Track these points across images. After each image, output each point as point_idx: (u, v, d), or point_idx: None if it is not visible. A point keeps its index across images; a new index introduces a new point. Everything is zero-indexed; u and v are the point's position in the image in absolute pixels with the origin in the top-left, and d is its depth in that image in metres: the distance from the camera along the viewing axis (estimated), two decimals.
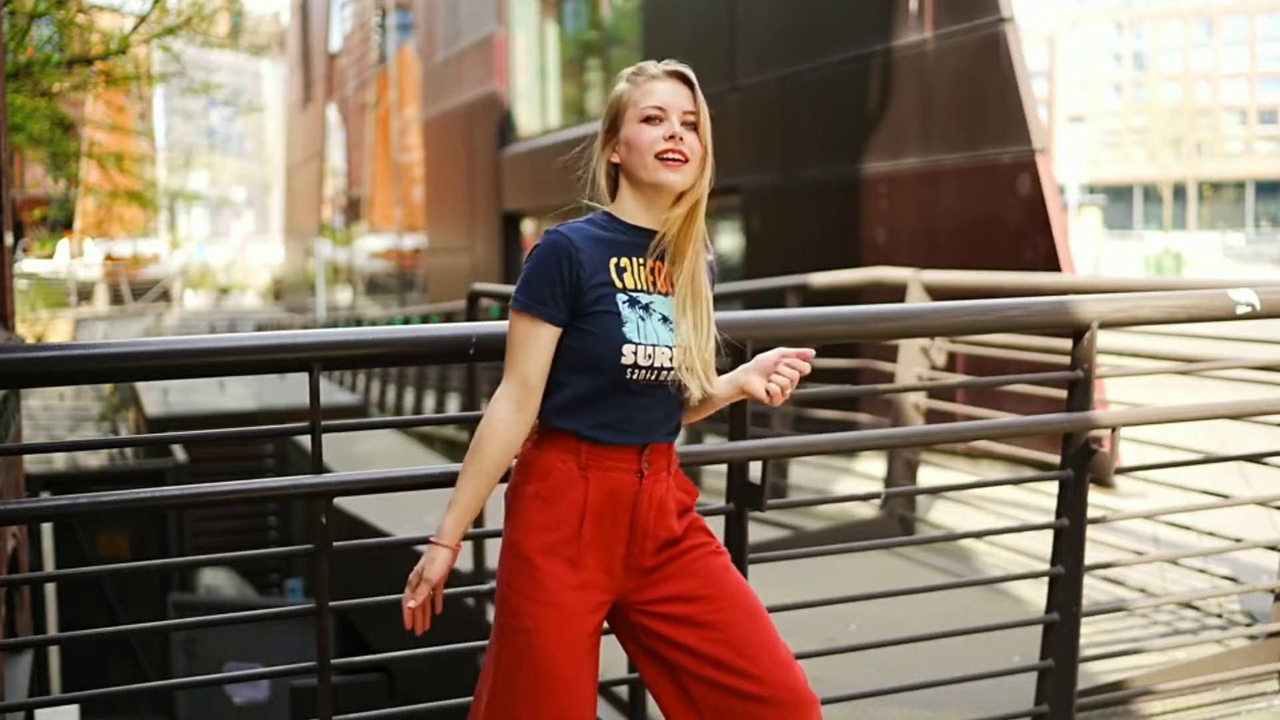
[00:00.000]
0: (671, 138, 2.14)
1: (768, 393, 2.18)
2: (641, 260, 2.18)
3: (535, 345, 2.15)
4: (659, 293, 2.17)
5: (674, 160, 2.14)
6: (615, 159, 2.21)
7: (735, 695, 2.13)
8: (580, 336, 2.13)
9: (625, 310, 2.13)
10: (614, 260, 2.16)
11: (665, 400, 2.18)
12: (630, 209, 2.21)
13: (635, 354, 2.11)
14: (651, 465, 2.17)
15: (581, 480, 2.15)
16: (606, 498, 2.15)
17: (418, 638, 2.34)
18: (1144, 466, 4.06)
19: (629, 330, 2.12)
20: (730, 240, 11.49)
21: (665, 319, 2.16)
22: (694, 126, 2.17)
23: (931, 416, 6.14)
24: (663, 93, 2.17)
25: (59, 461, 15.75)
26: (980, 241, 8.33)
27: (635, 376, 2.12)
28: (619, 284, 2.15)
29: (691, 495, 2.26)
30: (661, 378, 2.14)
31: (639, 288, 2.16)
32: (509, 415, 2.16)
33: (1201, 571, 4.75)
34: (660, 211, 2.19)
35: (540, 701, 2.14)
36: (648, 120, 2.16)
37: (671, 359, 2.13)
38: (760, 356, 2.22)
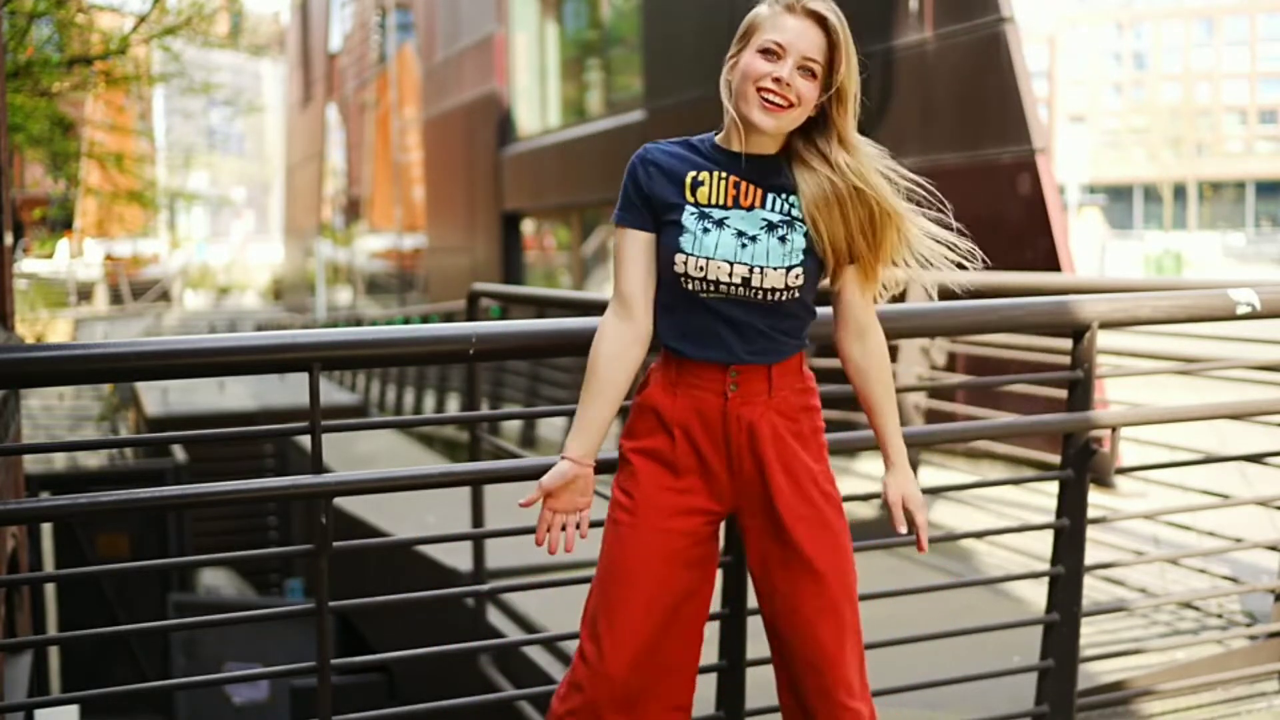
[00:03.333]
0: (778, 80, 2.07)
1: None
2: (724, 174, 2.15)
3: (627, 253, 2.18)
4: (741, 208, 2.13)
5: (772, 104, 2.08)
6: (730, 79, 2.15)
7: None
8: (658, 246, 2.17)
9: (688, 220, 2.12)
10: (692, 174, 2.16)
11: (757, 318, 2.14)
12: (728, 132, 2.18)
13: (685, 264, 2.11)
14: (740, 387, 2.15)
15: (671, 395, 2.18)
16: (693, 415, 2.16)
17: (416, 638, 2.33)
18: (1144, 466, 4.06)
19: (685, 241, 2.11)
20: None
21: (741, 234, 2.11)
22: (812, 74, 2.09)
23: (931, 416, 6.14)
24: (790, 30, 2.08)
25: (59, 461, 15.75)
26: (980, 241, 8.31)
27: (690, 288, 2.12)
28: (690, 197, 2.14)
29: (798, 420, 2.20)
30: (727, 291, 2.11)
31: (713, 202, 2.14)
32: (611, 324, 2.20)
33: (1201, 571, 4.75)
34: (755, 144, 2.14)
35: (608, 588, 2.18)
36: (765, 52, 2.09)
37: (732, 274, 2.10)
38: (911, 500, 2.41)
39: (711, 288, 2.11)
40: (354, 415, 14.52)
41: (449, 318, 14.35)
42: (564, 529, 2.21)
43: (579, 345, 2.90)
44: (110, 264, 37.68)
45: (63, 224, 29.33)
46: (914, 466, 5.90)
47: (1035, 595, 4.42)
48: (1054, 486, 3.29)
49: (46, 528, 9.07)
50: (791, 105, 2.08)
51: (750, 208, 2.13)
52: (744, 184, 2.15)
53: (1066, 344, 3.40)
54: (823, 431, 2.27)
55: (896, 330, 4.00)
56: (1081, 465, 3.18)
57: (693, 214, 2.13)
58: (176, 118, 45.59)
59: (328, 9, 40.63)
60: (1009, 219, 8.07)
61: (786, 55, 2.07)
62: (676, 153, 2.18)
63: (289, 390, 16.25)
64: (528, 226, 20.85)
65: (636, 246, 2.17)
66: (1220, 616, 4.40)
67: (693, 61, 12.26)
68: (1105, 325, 3.23)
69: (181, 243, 51.13)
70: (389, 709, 2.78)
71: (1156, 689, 3.60)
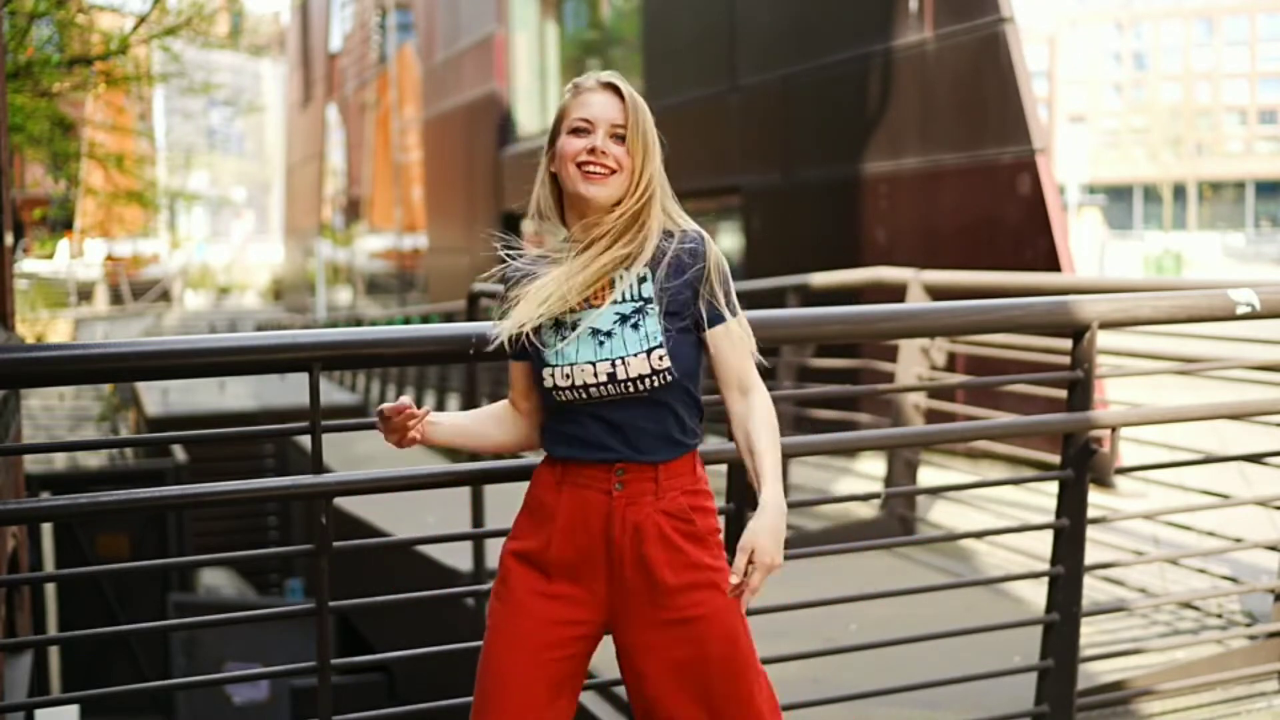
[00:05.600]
0: (592, 150, 2.11)
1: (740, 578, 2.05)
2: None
3: (510, 371, 2.31)
4: (593, 307, 2.13)
5: (594, 173, 2.12)
6: (554, 169, 2.18)
7: None
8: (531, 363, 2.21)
9: (547, 336, 2.14)
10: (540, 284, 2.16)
11: (639, 416, 2.11)
12: (571, 223, 2.20)
13: (554, 376, 2.12)
14: (625, 487, 2.12)
15: (555, 493, 2.16)
16: (577, 511, 2.13)
17: (416, 638, 2.34)
18: (1144, 466, 4.07)
19: (548, 355, 2.13)
20: (730, 240, 11.49)
21: (596, 332, 2.11)
22: (622, 139, 2.13)
23: (931, 416, 6.14)
24: (594, 105, 2.14)
25: (59, 461, 15.73)
26: (980, 241, 8.33)
27: (564, 399, 2.12)
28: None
29: (693, 520, 2.14)
30: (599, 393, 2.09)
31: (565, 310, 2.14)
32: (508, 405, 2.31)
33: (1201, 571, 4.75)
34: (596, 225, 2.14)
35: (485, 699, 2.16)
36: (575, 132, 2.14)
37: (596, 373, 2.09)
38: (760, 552, 2.05)
39: (583, 394, 2.10)
40: (354, 415, 14.52)
41: (449, 318, 14.34)
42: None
43: None
44: (110, 264, 37.66)
45: (63, 224, 29.33)
46: (914, 466, 5.93)
47: (1035, 595, 4.42)
48: (1054, 486, 3.29)
49: (46, 528, 9.07)
50: (613, 171, 2.13)
51: (600, 305, 2.13)
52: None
53: (1066, 344, 3.40)
54: (719, 533, 2.21)
55: (897, 330, 4.02)
56: (1081, 465, 3.19)
57: (549, 328, 2.14)
58: (176, 118, 45.61)
59: (328, 9, 40.63)
60: (1009, 219, 8.08)
61: (596, 127, 2.13)
62: (528, 270, 2.19)
63: (289, 390, 16.24)
64: (528, 227, 20.86)
65: (515, 368, 2.26)
66: (1220, 616, 4.40)
67: (693, 61, 12.26)
68: (1105, 325, 3.23)
69: (182, 243, 51.09)
70: (389, 709, 2.79)
71: (1156, 689, 3.60)
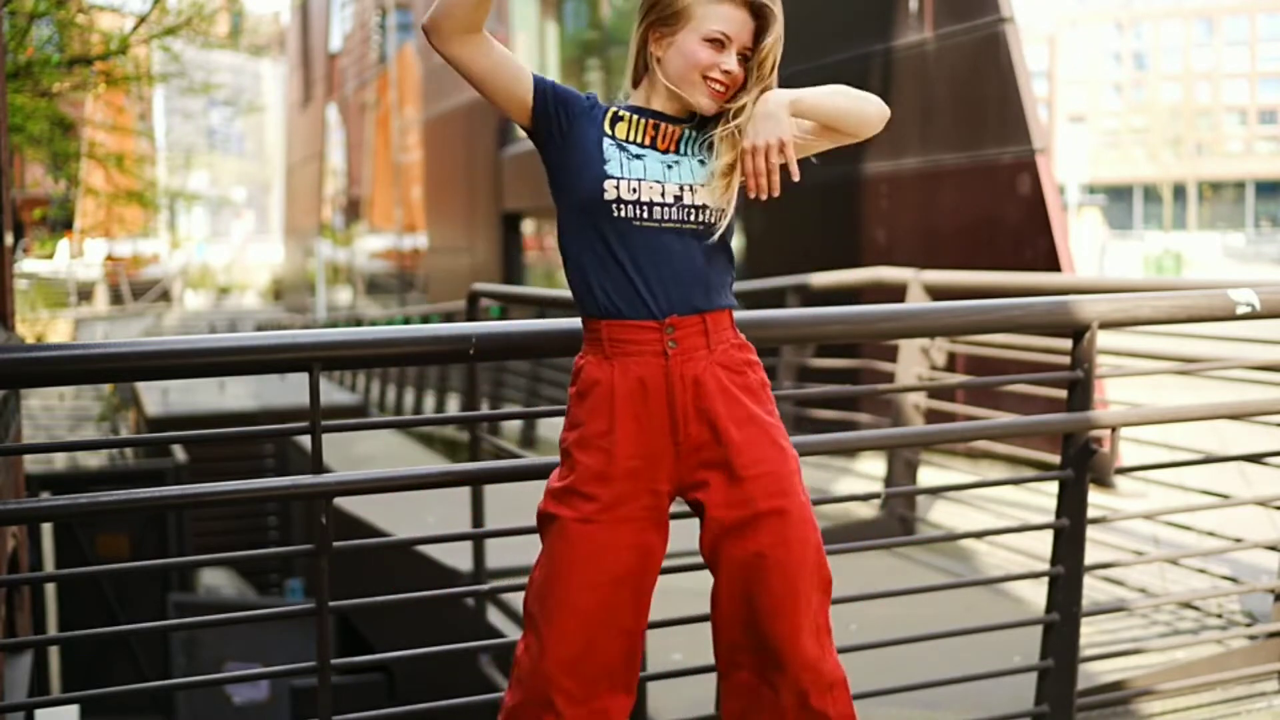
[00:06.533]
0: (726, 73, 2.11)
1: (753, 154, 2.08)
2: (641, 118, 2.15)
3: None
4: (658, 150, 2.13)
5: (718, 90, 2.12)
6: (658, 54, 2.15)
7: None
8: (570, 179, 2.11)
9: (609, 150, 2.11)
10: (611, 110, 2.16)
11: (694, 248, 2.11)
12: (655, 98, 2.17)
13: (618, 188, 2.08)
14: (679, 344, 2.10)
15: (609, 368, 2.12)
16: (637, 385, 2.10)
17: (416, 638, 2.32)
18: (1144, 466, 4.06)
19: (611, 167, 2.09)
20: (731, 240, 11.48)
21: (663, 161, 2.11)
22: (745, 58, 2.13)
23: (931, 416, 6.14)
24: (734, 20, 2.10)
25: (59, 461, 15.73)
26: (980, 241, 8.33)
27: (623, 214, 2.07)
28: (609, 130, 2.13)
29: (745, 372, 2.15)
30: (661, 216, 2.08)
31: (631, 139, 2.13)
32: None
33: (1201, 571, 4.75)
34: (676, 111, 2.16)
35: (551, 587, 2.13)
36: (710, 40, 2.11)
37: (664, 193, 2.08)
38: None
39: (645, 212, 2.08)
40: (354, 415, 14.52)
41: (449, 318, 14.34)
42: None
43: (579, 345, 2.90)
44: (110, 264, 37.65)
45: (63, 224, 29.32)
46: (914, 466, 5.93)
47: (1035, 595, 4.42)
48: (1054, 486, 3.29)
49: (46, 528, 9.07)
50: (729, 88, 2.13)
51: (666, 150, 2.14)
52: (663, 125, 2.15)
53: (1066, 344, 3.40)
54: (769, 387, 2.20)
55: (897, 330, 4.02)
56: (1081, 465, 3.18)
57: (612, 145, 2.12)
58: (176, 118, 45.65)
59: (328, 9, 40.64)
60: (1009, 219, 8.08)
61: (731, 45, 2.11)
62: (592, 96, 2.19)
63: (289, 390, 16.24)
64: (528, 226, 20.85)
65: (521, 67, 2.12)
66: (1220, 616, 4.40)
67: None
68: (1105, 325, 3.23)
69: (182, 243, 51.10)
70: (389, 709, 2.78)
71: (1156, 689, 3.60)
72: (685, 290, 2.11)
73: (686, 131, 2.16)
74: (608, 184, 2.08)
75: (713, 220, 2.11)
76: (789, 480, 2.14)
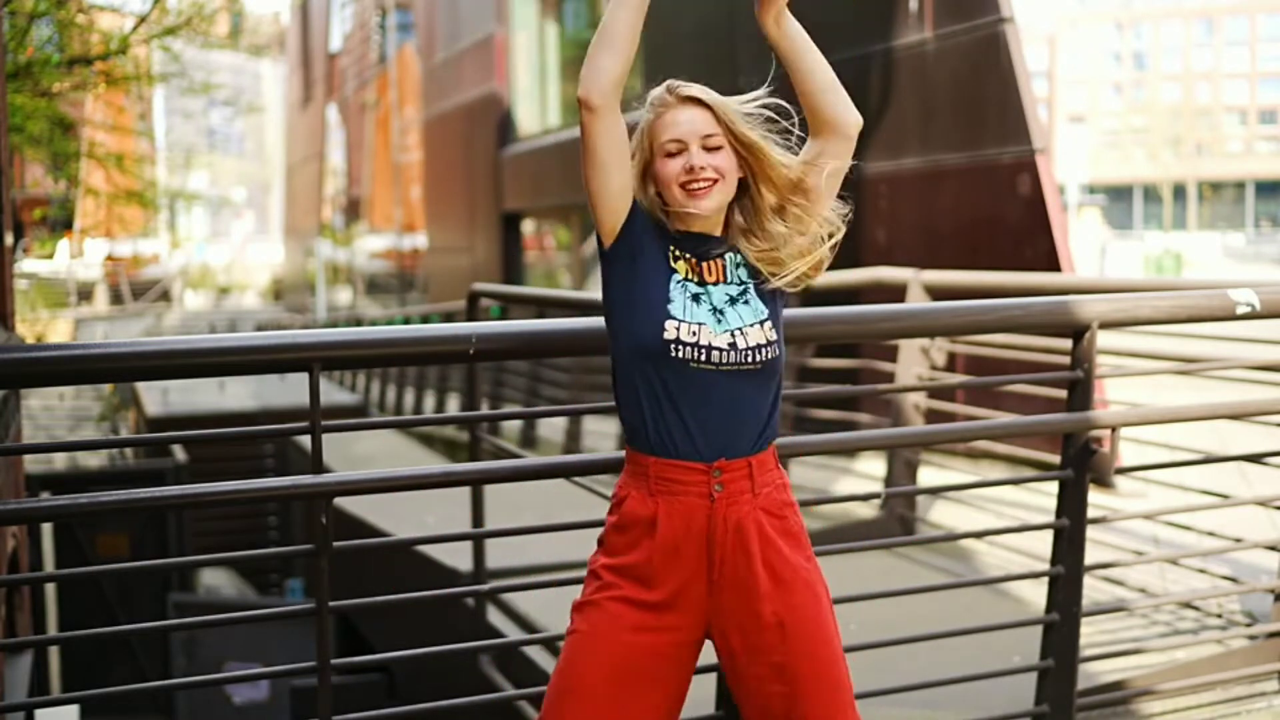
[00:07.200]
0: (691, 169, 2.12)
1: None
2: (688, 255, 2.17)
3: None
4: (708, 283, 2.16)
5: (698, 189, 2.13)
6: (656, 189, 2.19)
7: None
8: (627, 313, 2.13)
9: (675, 289, 2.13)
10: (672, 247, 2.18)
11: (749, 388, 2.13)
12: (681, 222, 2.20)
13: (678, 330, 2.09)
14: (725, 487, 2.11)
15: (652, 504, 2.13)
16: (680, 522, 2.11)
17: (416, 638, 2.32)
18: (1144, 466, 4.06)
19: (674, 308, 2.11)
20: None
21: (714, 308, 2.13)
22: (718, 146, 2.15)
23: (931, 416, 6.14)
24: (680, 124, 2.14)
25: (59, 461, 15.74)
26: (980, 241, 8.33)
27: (681, 355, 2.09)
28: (673, 265, 2.16)
29: (785, 516, 2.18)
30: (719, 360, 2.09)
31: (688, 276, 2.16)
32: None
33: (1201, 571, 4.74)
34: (702, 227, 2.19)
35: (563, 702, 2.13)
36: (669, 155, 2.14)
37: (717, 339, 2.10)
38: None
39: (704, 355, 2.09)
40: (354, 415, 14.52)
41: (449, 318, 14.35)
42: None
43: (579, 345, 2.91)
44: (110, 264, 37.64)
45: (63, 224, 29.31)
46: (914, 466, 5.93)
47: (1035, 595, 4.42)
48: (1054, 486, 3.29)
49: (46, 528, 9.07)
50: (716, 180, 2.14)
51: (716, 283, 2.16)
52: (705, 263, 2.18)
53: (1066, 344, 3.40)
54: (805, 530, 2.23)
55: (897, 330, 4.02)
56: (1081, 465, 3.18)
57: (678, 284, 2.15)
58: (176, 118, 45.60)
59: (328, 9, 40.64)
60: (1009, 219, 8.08)
61: (689, 143, 2.14)
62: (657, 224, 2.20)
63: (289, 390, 16.25)
64: (528, 226, 20.85)
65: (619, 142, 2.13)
66: (1220, 616, 4.40)
67: (693, 61, 12.26)
68: (1105, 325, 3.23)
69: (182, 243, 51.07)
70: (389, 709, 2.78)
71: (1156, 689, 3.60)
72: (735, 433, 2.13)
73: (729, 256, 2.19)
74: (668, 325, 2.10)
75: (768, 355, 2.13)
76: (822, 629, 2.17)
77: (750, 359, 2.11)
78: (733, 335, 2.11)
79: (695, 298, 2.13)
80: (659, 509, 2.12)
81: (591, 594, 2.17)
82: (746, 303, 2.15)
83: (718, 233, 2.20)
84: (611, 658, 2.11)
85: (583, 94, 2.07)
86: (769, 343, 2.13)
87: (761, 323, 2.13)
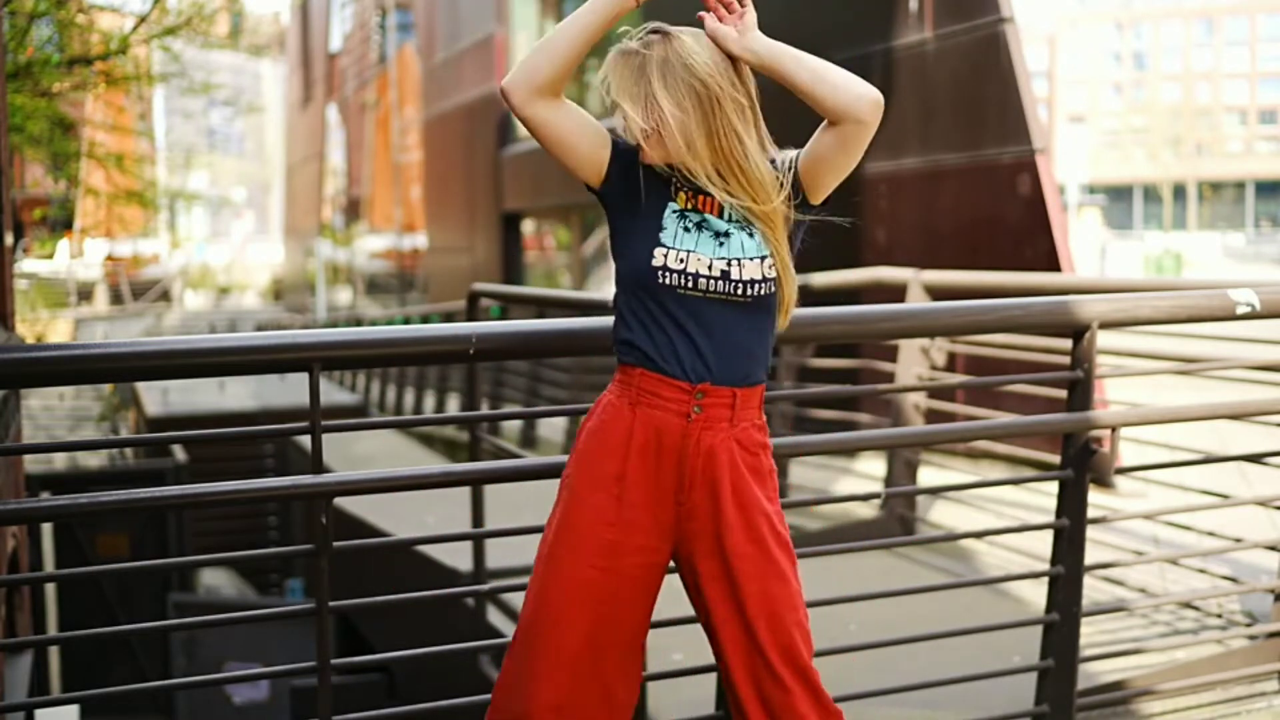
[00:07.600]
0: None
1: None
2: (691, 189, 2.18)
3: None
4: (710, 214, 2.17)
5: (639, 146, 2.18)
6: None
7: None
8: (625, 241, 2.17)
9: (669, 219, 2.16)
10: (674, 179, 2.19)
11: (737, 320, 2.14)
12: None
13: (666, 257, 2.12)
14: (704, 410, 2.13)
15: (629, 413, 2.15)
16: (652, 435, 2.14)
17: (416, 638, 2.33)
18: (1144, 466, 4.06)
19: (665, 236, 2.14)
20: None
21: (717, 234, 2.15)
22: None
23: (931, 416, 6.14)
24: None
25: (59, 461, 15.74)
26: (980, 241, 8.33)
27: (668, 281, 2.11)
28: (673, 198, 2.18)
29: (758, 454, 2.19)
30: (706, 287, 2.11)
31: (689, 207, 2.17)
32: None
33: (1201, 571, 4.75)
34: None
35: (538, 623, 2.16)
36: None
37: (711, 267, 2.11)
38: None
39: (690, 282, 2.12)
40: (354, 415, 14.52)
41: (449, 318, 14.35)
42: None
43: (579, 345, 2.90)
44: (110, 264, 37.62)
45: (63, 224, 29.31)
46: (914, 466, 5.93)
47: (1035, 595, 4.42)
48: (1054, 486, 3.29)
49: (46, 528, 9.06)
50: (647, 136, 2.15)
51: (718, 215, 2.18)
52: (701, 195, 2.18)
53: (1066, 344, 3.40)
54: (775, 474, 2.25)
55: (897, 330, 4.02)
56: (1081, 465, 3.18)
57: (675, 211, 2.16)
58: (176, 118, 45.60)
59: (328, 9, 40.64)
60: (1009, 219, 8.08)
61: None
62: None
63: (289, 390, 16.24)
64: (528, 226, 20.86)
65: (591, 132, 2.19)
66: (1220, 616, 4.40)
67: None
68: (1105, 325, 3.23)
69: (182, 243, 51.04)
70: (389, 709, 2.78)
71: (1156, 689, 3.60)
72: (722, 362, 2.14)
73: (724, 206, 2.20)
74: (657, 251, 2.12)
75: (761, 291, 2.14)
76: (776, 566, 2.18)
77: (740, 291, 2.13)
78: (729, 264, 2.13)
79: (698, 225, 2.15)
80: (635, 419, 2.15)
81: (565, 512, 2.19)
82: (751, 235, 2.16)
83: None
84: (583, 584, 2.14)
85: (505, 85, 2.12)
86: (764, 279, 2.14)
87: (762, 258, 2.14)
